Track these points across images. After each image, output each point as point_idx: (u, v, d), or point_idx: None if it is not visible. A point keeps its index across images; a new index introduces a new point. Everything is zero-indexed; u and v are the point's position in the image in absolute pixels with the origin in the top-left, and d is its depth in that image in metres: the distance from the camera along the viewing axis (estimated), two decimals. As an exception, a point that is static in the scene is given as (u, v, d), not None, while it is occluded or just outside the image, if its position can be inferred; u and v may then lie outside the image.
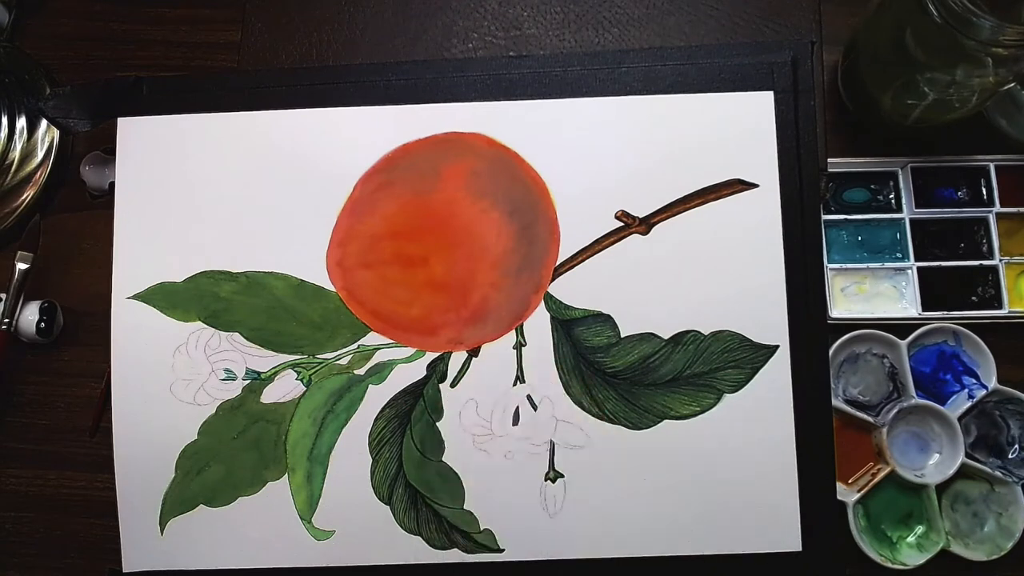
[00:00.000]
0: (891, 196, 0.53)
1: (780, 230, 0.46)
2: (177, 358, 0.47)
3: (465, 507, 0.46)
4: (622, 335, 0.46)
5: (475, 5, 0.51)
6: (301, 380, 0.47)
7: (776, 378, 0.45)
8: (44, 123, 0.55)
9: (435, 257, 0.47)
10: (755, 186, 0.46)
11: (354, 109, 0.48)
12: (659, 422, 0.46)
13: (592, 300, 0.46)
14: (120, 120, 0.49)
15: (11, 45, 0.57)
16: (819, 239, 0.46)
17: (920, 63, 0.45)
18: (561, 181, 0.47)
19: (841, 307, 0.51)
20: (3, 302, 0.52)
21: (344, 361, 0.47)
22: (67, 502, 0.52)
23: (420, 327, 0.47)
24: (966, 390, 0.50)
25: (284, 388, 0.47)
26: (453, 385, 0.46)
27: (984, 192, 0.52)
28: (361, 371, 0.47)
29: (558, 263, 0.47)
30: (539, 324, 0.46)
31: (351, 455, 0.46)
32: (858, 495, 0.48)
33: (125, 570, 0.47)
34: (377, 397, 0.47)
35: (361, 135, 0.48)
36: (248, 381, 0.47)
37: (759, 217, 0.46)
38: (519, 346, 0.46)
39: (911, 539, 0.49)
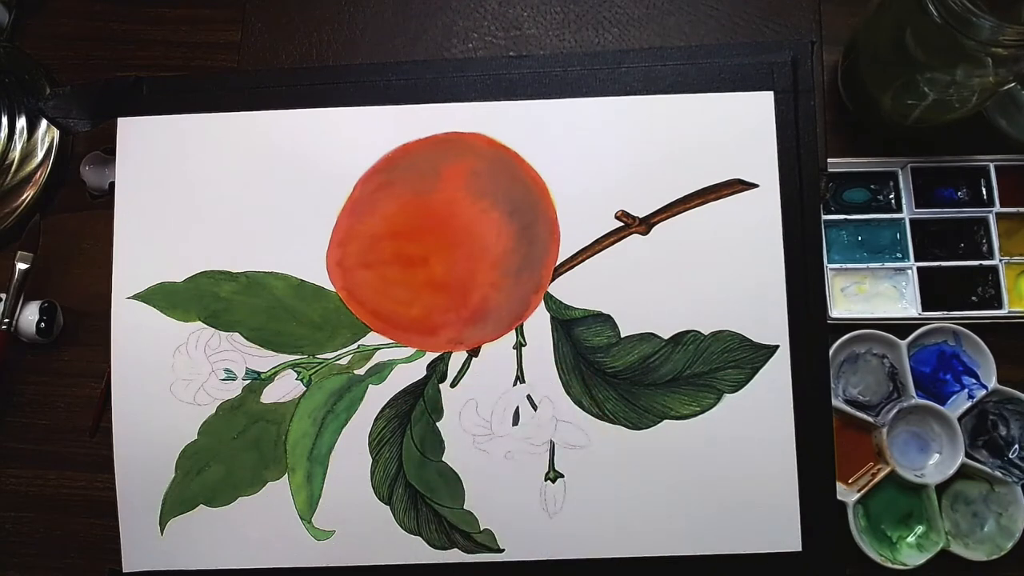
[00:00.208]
0: (891, 196, 0.53)
1: (780, 230, 0.46)
2: (177, 358, 0.47)
3: (465, 507, 0.46)
4: (622, 335, 0.46)
5: (475, 5, 0.51)
6: (301, 380, 0.47)
7: (776, 378, 0.45)
8: (44, 123, 0.55)
9: (435, 257, 0.47)
10: (755, 186, 0.46)
11: (354, 109, 0.48)
12: (659, 422, 0.46)
13: (592, 300, 0.46)
14: (120, 120, 0.49)
15: (11, 45, 0.57)
16: (819, 239, 0.46)
17: (920, 63, 0.45)
18: (561, 181, 0.47)
19: (841, 307, 0.51)
20: (3, 302, 0.52)
21: (344, 361, 0.47)
22: (67, 502, 0.52)
23: (420, 327, 0.47)
24: (966, 390, 0.50)
25: (284, 388, 0.47)
26: (453, 385, 0.46)
27: (984, 192, 0.52)
28: (361, 371, 0.47)
29: (558, 263, 0.47)
30: (539, 324, 0.46)
31: (351, 455, 0.46)
32: (858, 495, 0.48)
33: (125, 570, 0.47)
34: (377, 397, 0.47)
35: (361, 135, 0.48)
36: (248, 381, 0.47)
37: (759, 217, 0.46)
38: (519, 346, 0.46)
39: (911, 539, 0.49)
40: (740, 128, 0.46)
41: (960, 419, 0.49)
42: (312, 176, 0.48)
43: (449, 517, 0.46)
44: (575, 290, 0.46)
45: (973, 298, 0.51)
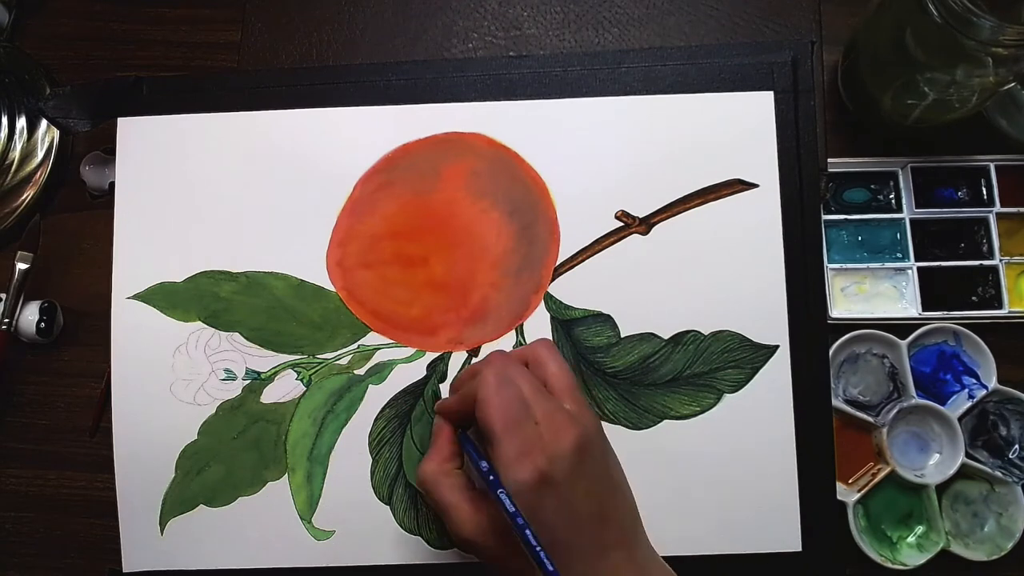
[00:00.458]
0: (891, 196, 0.53)
1: (780, 230, 0.46)
2: (177, 358, 0.47)
3: (465, 507, 0.46)
4: (622, 335, 0.46)
5: (475, 5, 0.51)
6: (301, 380, 0.47)
7: (776, 378, 0.45)
8: (44, 123, 0.55)
9: (435, 257, 0.47)
10: (755, 186, 0.46)
11: (354, 109, 0.48)
12: (659, 422, 0.46)
13: (592, 300, 0.46)
14: (120, 120, 0.49)
15: (11, 45, 0.57)
16: (819, 239, 0.46)
17: (920, 63, 0.45)
18: (561, 181, 0.47)
19: (841, 307, 0.51)
20: (3, 302, 0.52)
21: (344, 361, 0.47)
22: (67, 502, 0.52)
23: (420, 327, 0.47)
24: (966, 390, 0.50)
25: (284, 388, 0.47)
26: (453, 385, 0.46)
27: (984, 192, 0.52)
28: (361, 371, 0.47)
29: (558, 263, 0.47)
30: (539, 324, 0.46)
31: (351, 455, 0.46)
32: (858, 495, 0.48)
33: (125, 570, 0.47)
34: (377, 397, 0.47)
35: (361, 135, 0.48)
36: (248, 381, 0.47)
37: (759, 217, 0.46)
38: (519, 346, 0.46)
39: (911, 539, 0.49)
40: (740, 128, 0.46)
41: (960, 419, 0.49)
42: (312, 176, 0.48)
43: (449, 517, 0.46)
44: (575, 290, 0.46)
45: (973, 298, 0.51)
